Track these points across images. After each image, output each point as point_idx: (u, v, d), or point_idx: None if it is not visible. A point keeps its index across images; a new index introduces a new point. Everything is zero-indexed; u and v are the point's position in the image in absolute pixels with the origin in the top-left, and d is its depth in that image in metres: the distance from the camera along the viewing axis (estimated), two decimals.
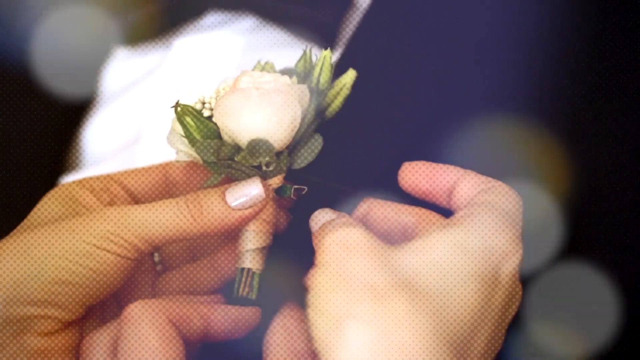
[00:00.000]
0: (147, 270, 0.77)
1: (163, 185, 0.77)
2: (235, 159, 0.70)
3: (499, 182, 0.69)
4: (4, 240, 0.71)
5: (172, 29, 0.88)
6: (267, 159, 0.70)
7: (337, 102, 0.74)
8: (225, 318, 0.71)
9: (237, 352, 0.73)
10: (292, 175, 0.73)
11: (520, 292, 0.67)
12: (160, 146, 0.83)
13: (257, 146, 0.70)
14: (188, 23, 0.88)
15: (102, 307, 0.75)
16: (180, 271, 0.76)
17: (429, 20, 0.80)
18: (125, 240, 0.70)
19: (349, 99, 0.75)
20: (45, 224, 0.72)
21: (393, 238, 0.72)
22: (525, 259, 0.68)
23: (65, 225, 0.70)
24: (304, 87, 0.72)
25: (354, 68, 0.73)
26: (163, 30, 0.88)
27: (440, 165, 0.71)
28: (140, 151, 0.86)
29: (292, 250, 0.73)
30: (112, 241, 0.70)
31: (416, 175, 0.71)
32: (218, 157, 0.71)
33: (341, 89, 0.73)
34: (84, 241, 0.69)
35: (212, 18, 0.88)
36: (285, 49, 0.86)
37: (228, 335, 0.71)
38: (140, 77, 0.90)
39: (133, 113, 0.89)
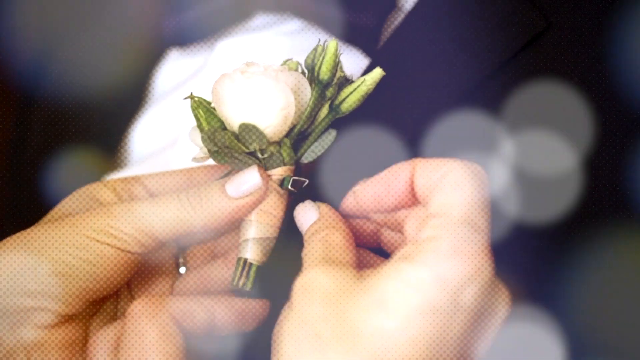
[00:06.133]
0: (167, 272, 0.76)
1: (186, 188, 0.76)
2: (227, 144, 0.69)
3: (452, 165, 0.65)
4: (13, 235, 0.71)
5: (221, 30, 0.87)
6: (257, 145, 0.69)
7: (354, 98, 0.71)
8: (229, 309, 0.70)
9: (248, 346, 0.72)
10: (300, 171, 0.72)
11: (504, 297, 0.64)
12: (195, 149, 0.82)
13: (246, 131, 0.68)
14: (236, 25, 0.87)
15: (115, 305, 0.74)
16: (196, 271, 0.76)
17: (469, 25, 0.78)
18: (126, 234, 0.69)
19: (377, 98, 0.72)
20: (53, 219, 0.71)
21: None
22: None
23: (68, 220, 0.70)
24: (299, 76, 0.70)
25: (388, 68, 0.71)
26: (213, 31, 0.87)
27: (386, 172, 0.68)
28: (176, 153, 0.85)
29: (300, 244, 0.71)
30: (111, 235, 0.69)
31: (370, 194, 0.69)
32: (215, 144, 0.69)
33: (359, 85, 0.71)
34: (83, 234, 0.69)
35: (258, 20, 0.87)
36: None
37: (235, 328, 0.70)
38: (187, 78, 0.89)
39: (174, 115, 0.88)
